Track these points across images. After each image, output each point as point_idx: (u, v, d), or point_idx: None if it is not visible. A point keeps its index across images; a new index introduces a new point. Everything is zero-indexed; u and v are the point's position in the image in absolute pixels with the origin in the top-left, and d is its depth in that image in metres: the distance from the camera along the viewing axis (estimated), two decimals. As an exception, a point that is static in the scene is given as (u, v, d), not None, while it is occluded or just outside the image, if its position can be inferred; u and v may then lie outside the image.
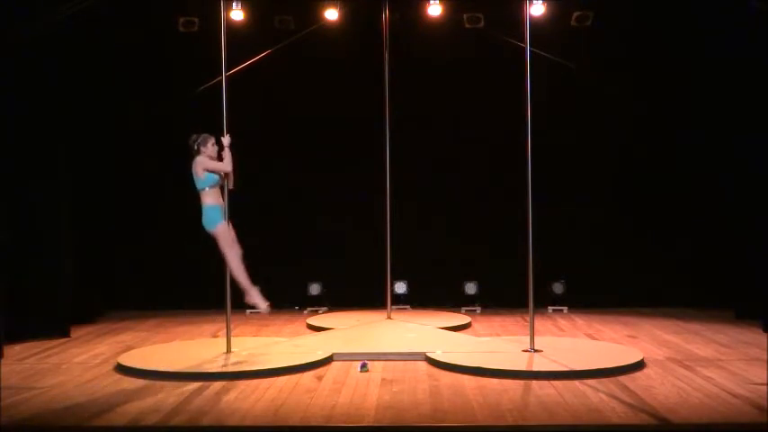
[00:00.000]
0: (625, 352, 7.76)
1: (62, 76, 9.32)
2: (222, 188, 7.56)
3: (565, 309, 10.53)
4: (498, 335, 9.02)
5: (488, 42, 10.20)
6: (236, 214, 7.90)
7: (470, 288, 10.65)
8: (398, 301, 10.53)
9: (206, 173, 7.41)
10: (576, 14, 10.16)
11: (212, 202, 7.42)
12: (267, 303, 7.66)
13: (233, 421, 5.77)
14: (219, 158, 7.55)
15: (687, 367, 7.25)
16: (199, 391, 6.57)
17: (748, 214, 9.56)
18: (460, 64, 10.60)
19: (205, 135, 7.51)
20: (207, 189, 7.41)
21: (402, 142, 9.68)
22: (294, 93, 10.69)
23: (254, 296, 7.60)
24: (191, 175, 7.50)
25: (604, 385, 6.57)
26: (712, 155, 10.35)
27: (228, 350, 7.75)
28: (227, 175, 7.57)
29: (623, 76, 10.44)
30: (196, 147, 7.46)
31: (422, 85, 10.56)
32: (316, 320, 9.80)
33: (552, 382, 6.68)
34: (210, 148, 7.48)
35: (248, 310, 10.62)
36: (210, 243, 8.93)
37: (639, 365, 7.22)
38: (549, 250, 9.25)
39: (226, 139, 7.58)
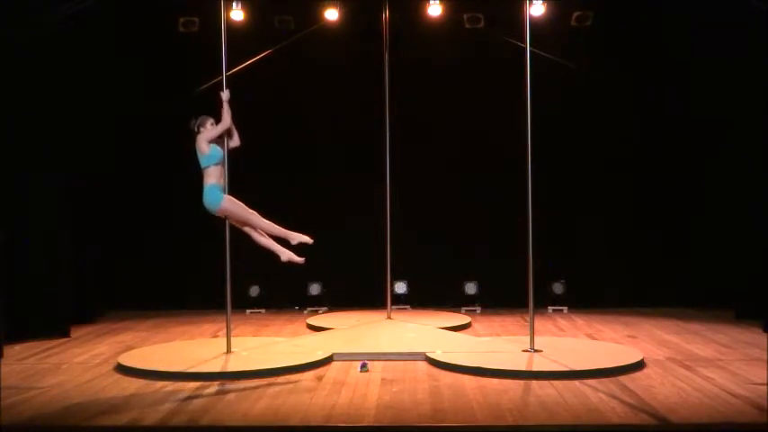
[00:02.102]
0: (625, 352, 7.76)
1: (62, 76, 9.32)
2: (224, 168, 7.59)
3: (565, 309, 10.53)
4: (498, 335, 9.02)
5: (488, 42, 10.20)
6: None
7: (470, 288, 10.65)
8: (398, 301, 10.53)
9: (210, 148, 7.46)
10: (576, 14, 10.16)
11: (214, 180, 7.46)
12: (302, 259, 7.66)
13: (233, 421, 5.77)
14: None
15: (687, 367, 7.25)
16: (199, 391, 6.57)
17: (748, 214, 9.56)
18: (460, 64, 10.60)
19: (203, 116, 7.61)
20: (211, 167, 7.45)
21: (402, 142, 9.69)
22: (294, 93, 10.70)
23: (296, 237, 7.57)
24: (194, 155, 7.51)
25: (604, 385, 6.57)
26: (712, 155, 10.35)
27: (228, 350, 7.75)
28: (230, 133, 7.62)
29: (623, 76, 10.43)
30: (196, 129, 7.56)
31: (422, 86, 10.56)
32: (316, 320, 9.80)
33: (552, 382, 6.67)
34: (210, 127, 7.56)
35: (248, 310, 10.68)
36: (210, 242, 8.97)
37: (639, 365, 7.21)
38: (549, 250, 9.26)
39: (225, 94, 7.63)
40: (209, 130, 7.52)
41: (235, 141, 7.72)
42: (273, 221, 7.66)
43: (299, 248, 7.68)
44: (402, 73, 9.76)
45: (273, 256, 7.70)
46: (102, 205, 10.52)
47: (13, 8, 7.70)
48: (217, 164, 7.49)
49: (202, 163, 7.49)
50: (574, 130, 10.60)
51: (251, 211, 7.58)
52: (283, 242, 7.68)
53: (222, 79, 7.87)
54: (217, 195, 7.45)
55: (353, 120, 10.65)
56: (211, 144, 7.50)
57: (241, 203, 7.57)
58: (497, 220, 10.41)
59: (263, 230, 7.63)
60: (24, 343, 8.59)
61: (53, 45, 8.94)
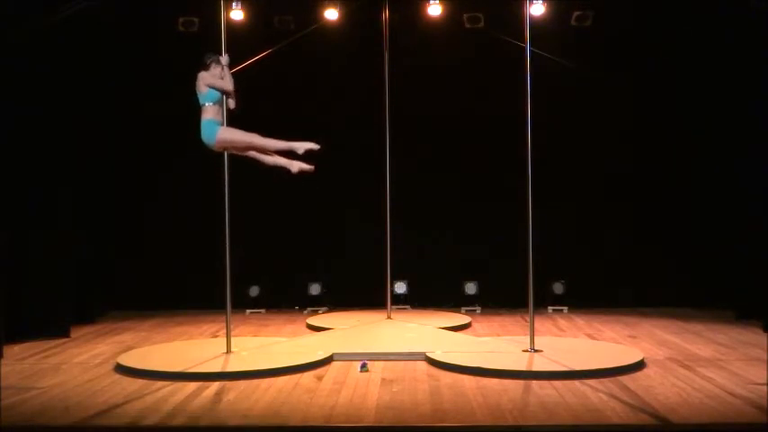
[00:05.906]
0: (625, 352, 7.76)
1: (62, 77, 9.32)
2: (222, 107, 7.55)
3: (565, 309, 10.53)
4: (498, 335, 9.01)
5: (488, 42, 10.20)
6: (236, 215, 7.91)
7: (470, 288, 10.64)
8: (398, 301, 10.53)
9: (208, 89, 7.43)
10: (575, 14, 10.16)
11: (211, 116, 7.41)
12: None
13: (233, 421, 5.78)
14: None
15: (687, 367, 7.25)
16: (199, 391, 6.57)
17: (749, 214, 9.55)
18: (460, 64, 10.60)
19: (219, 56, 7.59)
20: (208, 105, 7.42)
21: (402, 142, 9.69)
22: (294, 93, 10.69)
23: (302, 145, 7.47)
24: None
25: (604, 385, 6.57)
26: (712, 155, 10.34)
27: (228, 350, 7.75)
28: (227, 94, 7.59)
29: (623, 76, 10.43)
30: (207, 62, 7.52)
31: (422, 85, 10.56)
32: (316, 320, 9.80)
33: (552, 382, 6.67)
34: (215, 70, 7.53)
35: (248, 310, 10.68)
36: (209, 242, 8.97)
37: (639, 365, 7.22)
38: (549, 250, 9.25)
39: (224, 58, 7.62)
40: (213, 76, 7.45)
41: (230, 104, 7.66)
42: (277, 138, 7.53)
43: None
44: (402, 73, 9.76)
45: (284, 170, 7.56)
46: (102, 205, 10.51)
47: (12, 8, 7.68)
48: (213, 103, 7.44)
49: (200, 100, 7.45)
50: (574, 129, 10.59)
51: (250, 133, 7.45)
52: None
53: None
54: (213, 128, 7.38)
55: (353, 120, 10.64)
56: (208, 86, 7.45)
57: (238, 129, 7.48)
58: (497, 220, 10.40)
59: (268, 148, 7.50)
60: (24, 343, 8.58)
61: (53, 45, 8.93)
